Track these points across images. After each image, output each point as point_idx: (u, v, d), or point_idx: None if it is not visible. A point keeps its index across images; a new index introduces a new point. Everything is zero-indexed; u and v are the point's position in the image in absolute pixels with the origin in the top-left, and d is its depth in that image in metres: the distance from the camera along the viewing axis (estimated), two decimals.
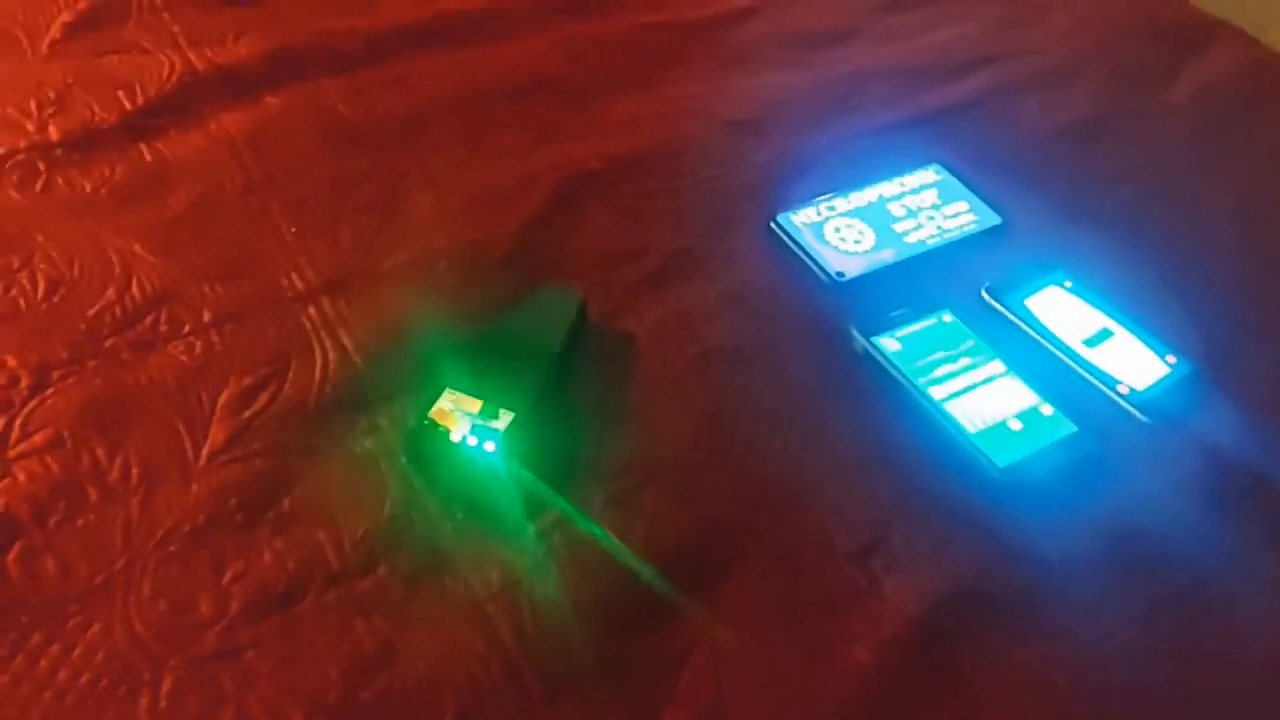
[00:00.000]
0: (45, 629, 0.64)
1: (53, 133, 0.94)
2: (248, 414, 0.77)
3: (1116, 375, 0.89)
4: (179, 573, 0.68)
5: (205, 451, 0.74)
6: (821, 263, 0.96)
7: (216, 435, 0.75)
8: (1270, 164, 1.13)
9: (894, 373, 0.87)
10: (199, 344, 0.81)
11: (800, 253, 0.97)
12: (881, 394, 0.86)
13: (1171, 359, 0.91)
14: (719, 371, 0.85)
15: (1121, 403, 0.88)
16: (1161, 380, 0.89)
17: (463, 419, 0.75)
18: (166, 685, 0.63)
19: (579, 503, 0.75)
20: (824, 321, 0.91)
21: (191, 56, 1.04)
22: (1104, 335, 0.92)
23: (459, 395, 0.77)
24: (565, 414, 0.80)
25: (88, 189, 0.91)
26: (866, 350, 0.88)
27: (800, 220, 0.99)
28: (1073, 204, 1.06)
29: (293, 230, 0.90)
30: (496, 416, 0.76)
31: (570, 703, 0.66)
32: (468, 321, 0.85)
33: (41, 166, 0.91)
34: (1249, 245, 1.04)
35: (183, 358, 0.80)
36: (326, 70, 1.06)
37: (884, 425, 0.84)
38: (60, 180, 0.91)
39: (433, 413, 0.76)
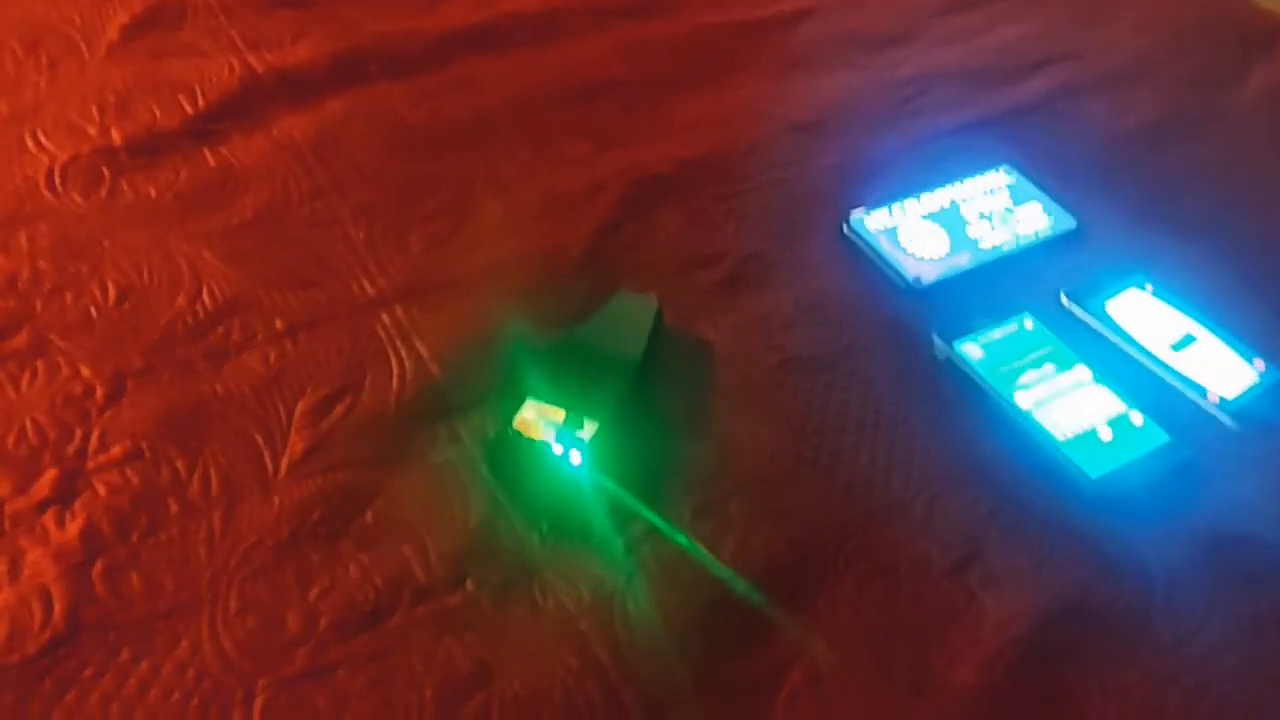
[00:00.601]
0: (133, 647, 0.62)
1: (115, 137, 0.93)
2: (325, 424, 0.75)
3: (1204, 383, 0.87)
4: (265, 589, 0.66)
5: (285, 463, 0.73)
6: (898, 268, 0.94)
7: (295, 446, 0.74)
8: None
9: (979, 380, 0.85)
10: (273, 353, 0.79)
11: (875, 257, 0.95)
12: (966, 402, 0.84)
13: (1260, 364, 0.88)
14: (799, 381, 0.83)
15: (1213, 411, 0.85)
16: (1252, 387, 0.87)
17: (547, 429, 0.74)
18: (258, 704, 0.61)
19: (667, 515, 0.73)
20: (902, 328, 0.89)
21: (251, 59, 1.03)
22: (1188, 340, 0.90)
23: (541, 405, 0.75)
24: (648, 423, 0.78)
25: (153, 194, 0.89)
26: (949, 358, 0.86)
27: (873, 224, 0.97)
28: (1146, 207, 1.04)
29: (361, 236, 0.89)
30: (581, 426, 0.74)
31: None
32: (543, 328, 0.83)
33: (106, 172, 0.90)
34: None
35: (257, 367, 0.78)
36: (387, 73, 1.04)
37: (972, 435, 0.82)
38: (125, 185, 0.90)
39: (516, 422, 0.74)
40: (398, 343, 0.81)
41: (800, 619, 0.70)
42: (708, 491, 0.75)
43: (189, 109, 0.97)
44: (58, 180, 0.89)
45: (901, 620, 0.70)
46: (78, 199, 0.88)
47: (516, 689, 0.63)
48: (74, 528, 0.67)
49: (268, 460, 0.73)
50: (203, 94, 0.98)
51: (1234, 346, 0.89)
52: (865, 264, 0.95)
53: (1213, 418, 0.85)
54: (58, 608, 0.63)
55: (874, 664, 0.68)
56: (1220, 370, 0.88)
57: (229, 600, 0.65)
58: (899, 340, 0.88)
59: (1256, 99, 1.18)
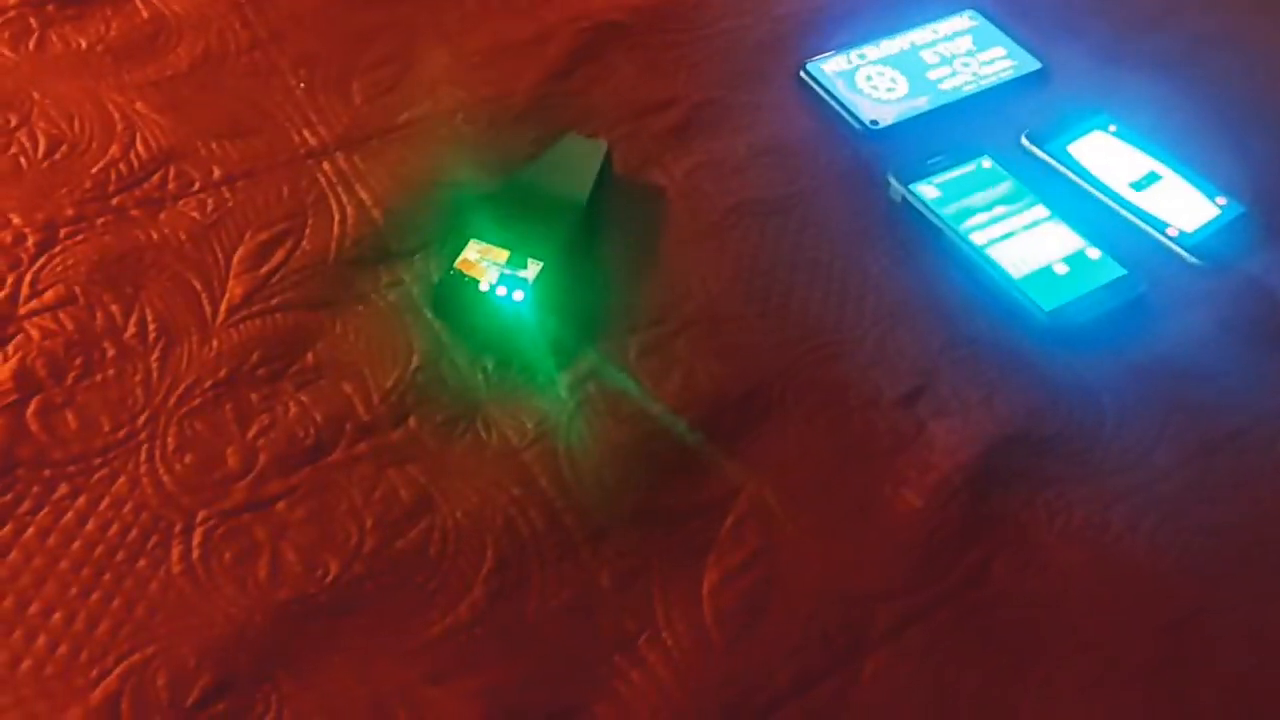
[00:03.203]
0: (71, 482, 0.62)
1: None
2: (265, 269, 0.74)
3: (1165, 218, 0.85)
4: (203, 427, 0.66)
5: (223, 307, 0.71)
6: (855, 111, 0.91)
7: (234, 291, 0.72)
8: None
9: (934, 219, 0.83)
10: (210, 201, 0.77)
11: (832, 102, 0.92)
12: (922, 242, 0.83)
13: (1221, 200, 0.87)
14: (752, 223, 0.82)
15: (1171, 245, 0.84)
16: (1211, 222, 0.86)
17: (490, 269, 0.72)
18: (198, 536, 0.61)
19: (611, 352, 0.72)
20: (859, 171, 0.87)
21: None
22: (1151, 179, 0.88)
23: (485, 246, 0.74)
24: (595, 265, 0.77)
25: (83, 45, 0.86)
26: (905, 198, 0.85)
27: (830, 69, 0.95)
28: (1116, 47, 1.01)
29: (301, 86, 0.86)
30: (524, 266, 0.73)
31: (613, 548, 0.64)
32: (489, 175, 0.81)
33: (34, 23, 0.87)
34: None
35: (194, 214, 0.76)
36: None
37: (926, 273, 0.81)
38: (54, 37, 0.87)
39: (459, 263, 0.73)
40: (339, 190, 0.79)
41: (747, 450, 0.69)
42: (654, 330, 0.74)
43: None
44: None
45: (850, 450, 0.70)
46: (5, 51, 0.85)
47: (458, 517, 0.63)
48: (6, 370, 0.66)
49: (205, 305, 0.71)
50: None
51: (1197, 184, 0.88)
52: (822, 108, 0.92)
53: (1171, 253, 0.84)
54: None
55: (821, 491, 0.68)
56: (1182, 206, 0.86)
57: (166, 438, 0.65)
58: (855, 183, 0.86)
59: None
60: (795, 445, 0.70)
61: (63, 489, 0.62)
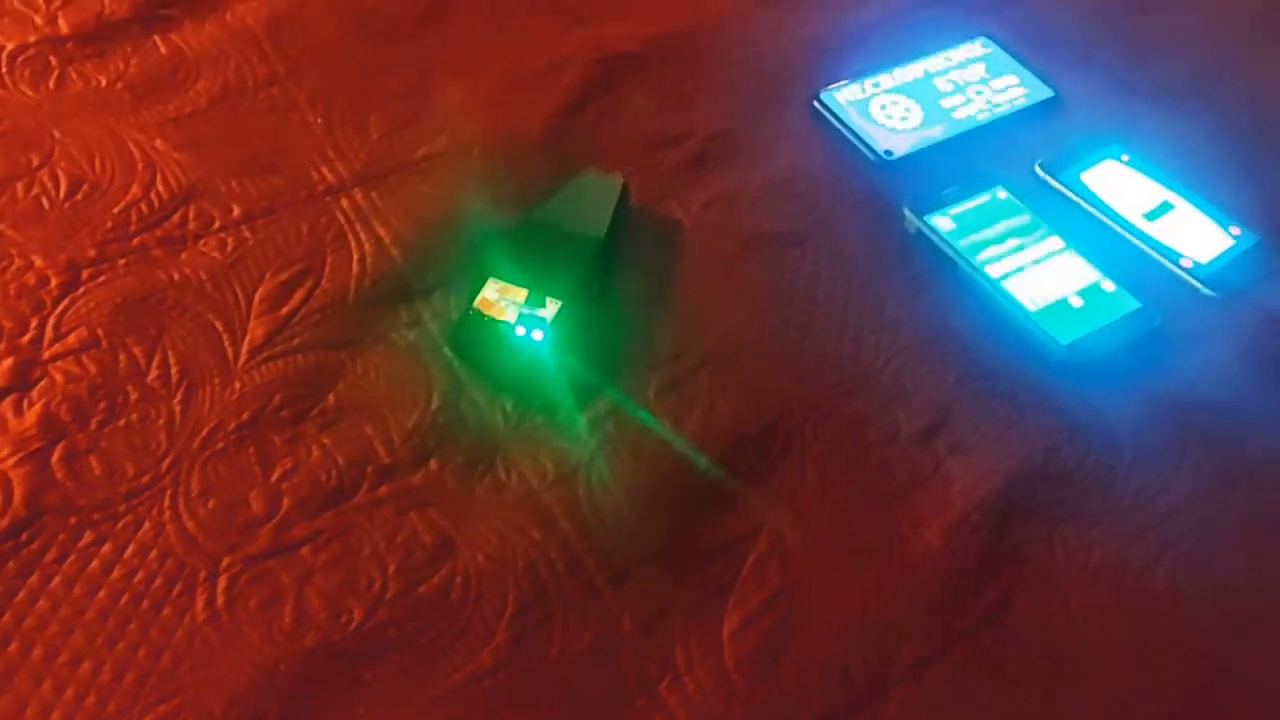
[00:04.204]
0: (96, 529, 0.62)
1: (63, 26, 0.90)
2: (285, 309, 0.74)
3: (1179, 249, 0.86)
4: (227, 471, 0.66)
5: (245, 349, 0.72)
6: (869, 141, 0.92)
7: (255, 332, 0.73)
8: None
9: (949, 252, 0.84)
10: (230, 240, 0.78)
11: (846, 131, 0.93)
12: (938, 274, 0.83)
13: (1235, 230, 0.87)
14: (769, 255, 0.82)
15: (1185, 276, 0.84)
16: (1226, 253, 0.86)
17: (509, 308, 0.73)
18: (223, 582, 0.61)
19: (631, 390, 0.72)
20: (874, 202, 0.87)
21: None
22: (1165, 208, 0.89)
23: (504, 285, 0.74)
24: (613, 301, 0.77)
25: (103, 84, 0.87)
26: (920, 230, 0.85)
27: (844, 98, 0.95)
28: (1128, 75, 1.01)
29: (319, 121, 0.87)
30: (543, 305, 0.73)
31: (634, 591, 0.64)
32: (506, 210, 0.81)
33: (54, 61, 0.88)
34: None
35: (215, 254, 0.77)
36: None
37: (943, 306, 0.81)
38: (74, 75, 0.87)
39: (477, 302, 0.73)
40: (357, 227, 0.80)
41: (767, 488, 0.70)
42: (673, 366, 0.75)
43: None
44: (4, 71, 0.86)
45: (868, 487, 0.71)
46: (26, 90, 0.86)
47: (480, 561, 0.64)
48: (32, 415, 0.66)
49: (227, 346, 0.72)
50: None
51: (1211, 214, 0.88)
52: (837, 138, 0.93)
53: (1186, 284, 0.84)
54: (17, 493, 0.63)
55: (840, 529, 0.68)
56: (1195, 237, 0.87)
57: (191, 482, 0.65)
58: (870, 214, 0.87)
59: None
60: (814, 482, 0.70)
61: (88, 536, 0.62)
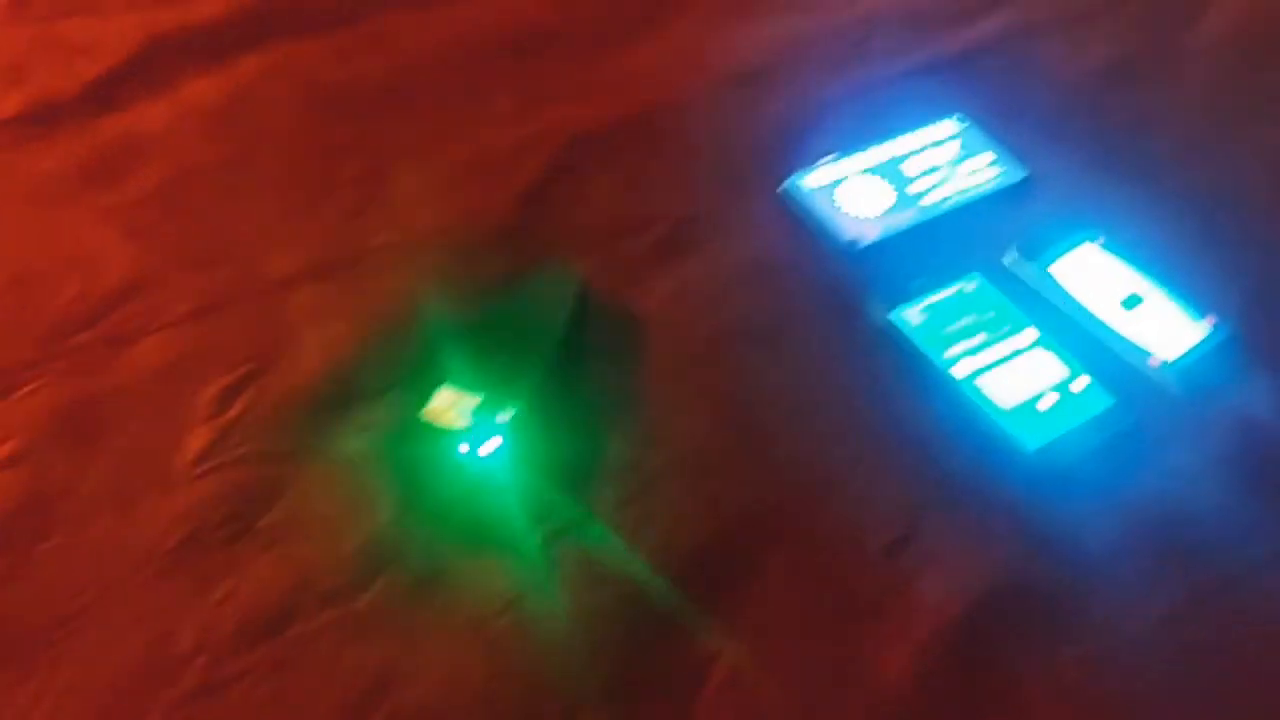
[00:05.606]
0: (17, 667, 0.59)
1: (7, 107, 0.87)
2: (230, 414, 0.72)
3: (1149, 345, 0.84)
4: (160, 597, 0.63)
5: (184, 460, 0.69)
6: (835, 230, 0.90)
7: (198, 440, 0.70)
8: None
9: (917, 348, 0.81)
10: (176, 339, 0.75)
11: (813, 219, 0.91)
12: (906, 372, 0.81)
13: (1210, 321, 0.85)
14: (735, 354, 0.80)
15: (1155, 376, 0.82)
16: (1197, 347, 0.84)
17: (460, 416, 0.70)
18: None
19: (588, 504, 0.70)
20: (842, 294, 0.85)
21: (154, 17, 0.97)
22: (1136, 300, 0.87)
23: (455, 391, 0.71)
24: (571, 406, 0.75)
25: (49, 168, 0.84)
26: (888, 324, 0.83)
27: (811, 184, 0.93)
28: (1101, 154, 0.99)
29: (272, 209, 0.84)
30: (497, 413, 0.70)
31: None
32: (463, 305, 0.79)
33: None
34: None
35: (158, 354, 0.74)
36: (303, 29, 0.99)
37: (910, 407, 0.79)
38: (19, 159, 0.85)
39: (427, 410, 0.71)
40: (308, 324, 0.77)
41: (728, 609, 0.67)
42: (634, 477, 0.72)
43: (88, 74, 0.91)
44: None
45: (832, 609, 0.68)
46: None
47: (423, 697, 0.61)
48: None
49: (166, 457, 0.69)
50: (102, 57, 0.92)
51: (1185, 304, 0.86)
52: (805, 225, 0.91)
53: (1158, 383, 0.82)
54: None
55: (803, 656, 0.66)
56: (1168, 330, 0.85)
57: (120, 612, 0.62)
58: (838, 307, 0.85)
59: (1213, 36, 1.13)
60: (777, 603, 0.68)
61: (10, 674, 0.59)
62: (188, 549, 0.65)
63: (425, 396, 0.71)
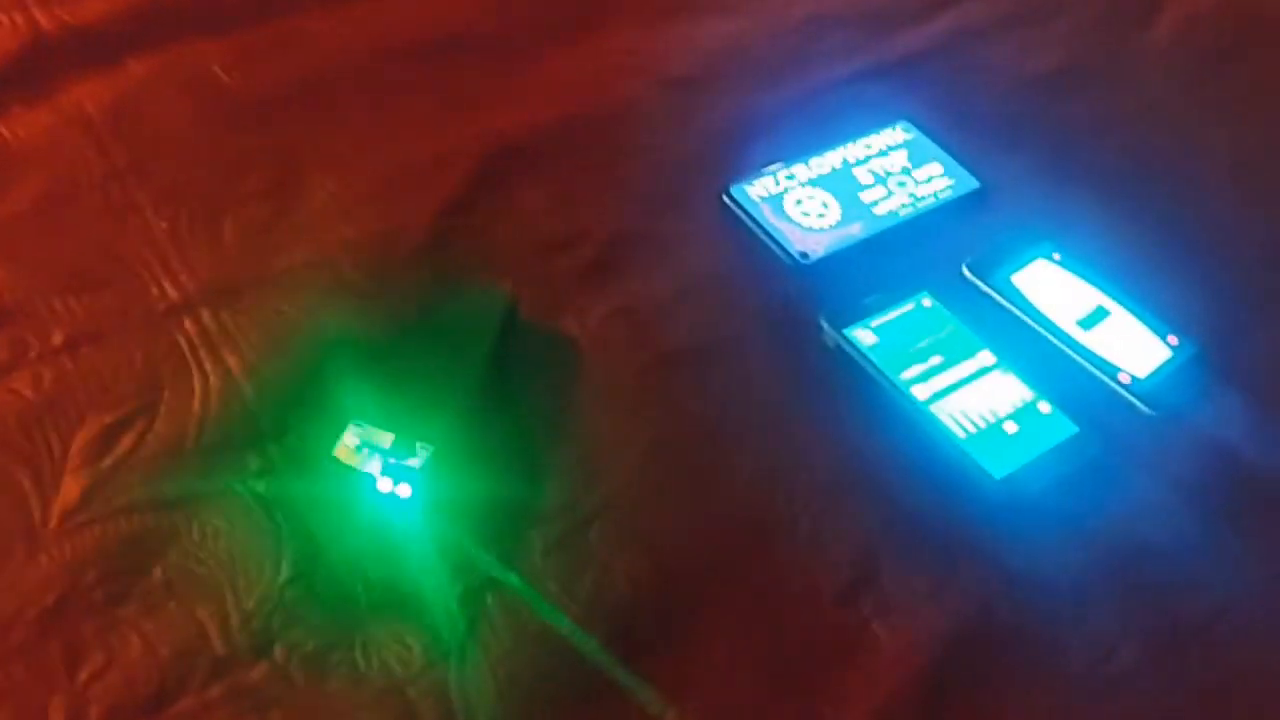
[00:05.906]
0: None
1: None
2: (110, 460, 0.64)
3: (1115, 362, 0.79)
4: (22, 674, 0.55)
5: (56, 512, 0.61)
6: (783, 242, 0.84)
7: (70, 490, 0.62)
8: (1266, 105, 1.03)
9: (871, 371, 0.76)
10: (48, 374, 0.67)
11: (759, 231, 0.85)
12: (859, 396, 0.75)
13: (1173, 340, 0.81)
14: (674, 381, 0.74)
15: (1124, 393, 0.78)
16: (1164, 365, 0.79)
17: (371, 459, 0.63)
18: None
19: (514, 553, 0.63)
20: (790, 311, 0.80)
21: (36, 14, 0.89)
22: (1099, 315, 0.82)
23: (366, 428, 0.64)
24: (494, 442, 0.68)
25: None
26: (839, 344, 0.77)
27: (756, 193, 0.87)
28: (1056, 162, 0.95)
29: (164, 225, 0.76)
30: (413, 452, 0.63)
31: None
32: (377, 330, 0.72)
33: None
34: (1251, 201, 0.94)
35: (27, 392, 0.66)
36: (202, 29, 0.91)
37: (864, 435, 0.73)
38: None
39: (336, 451, 0.63)
40: (202, 354, 0.70)
41: (669, 669, 0.61)
42: (565, 519, 0.66)
43: None
44: None
45: (784, 665, 0.62)
46: None
47: None
48: None
49: (35, 509, 0.61)
50: None
51: (1147, 321, 0.82)
52: (749, 238, 0.85)
53: (1123, 402, 0.78)
54: None
55: (753, 718, 0.60)
56: (1132, 348, 0.80)
57: None
58: (786, 326, 0.79)
59: (1167, 38, 1.09)
60: (724, 661, 0.61)
61: None
62: (57, 616, 0.58)
63: (333, 435, 0.64)
